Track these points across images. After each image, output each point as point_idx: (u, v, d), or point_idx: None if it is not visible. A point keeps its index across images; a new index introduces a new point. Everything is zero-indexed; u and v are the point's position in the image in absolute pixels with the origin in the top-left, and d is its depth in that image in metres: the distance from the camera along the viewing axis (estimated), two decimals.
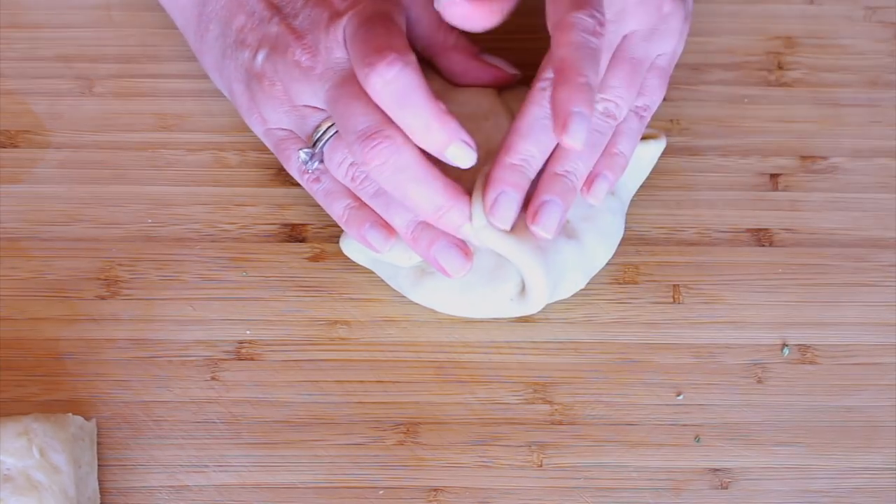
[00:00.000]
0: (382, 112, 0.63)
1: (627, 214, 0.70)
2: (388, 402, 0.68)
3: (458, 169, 0.64)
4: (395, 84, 0.61)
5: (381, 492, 0.66)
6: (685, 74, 0.75)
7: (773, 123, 0.74)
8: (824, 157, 0.73)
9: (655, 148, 0.70)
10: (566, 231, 0.67)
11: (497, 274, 0.67)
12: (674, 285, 0.70)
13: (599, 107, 0.65)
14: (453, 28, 0.69)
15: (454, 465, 0.67)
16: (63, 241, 0.71)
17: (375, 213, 0.66)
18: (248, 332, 0.69)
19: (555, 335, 0.69)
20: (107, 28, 0.75)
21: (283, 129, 0.68)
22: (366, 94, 0.62)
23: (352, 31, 0.64)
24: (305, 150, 0.66)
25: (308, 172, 0.67)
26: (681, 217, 0.72)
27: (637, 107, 0.67)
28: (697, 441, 0.67)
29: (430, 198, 0.63)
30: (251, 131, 0.70)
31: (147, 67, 0.75)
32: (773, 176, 0.73)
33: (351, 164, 0.65)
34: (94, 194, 0.72)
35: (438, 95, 0.63)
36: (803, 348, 0.69)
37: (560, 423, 0.67)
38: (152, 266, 0.70)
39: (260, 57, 0.67)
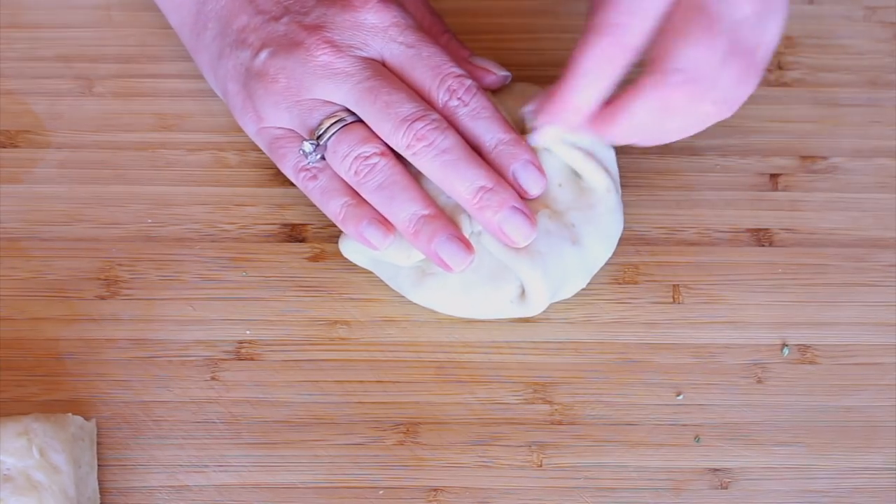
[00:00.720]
0: (426, 102, 0.65)
1: (627, 214, 0.70)
2: (388, 402, 0.68)
3: None
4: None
5: (381, 492, 0.66)
6: None
7: (773, 123, 0.74)
8: (824, 157, 0.73)
9: None
10: (569, 236, 0.67)
11: (498, 274, 0.67)
12: (674, 285, 0.70)
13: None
14: (444, 31, 0.69)
15: (454, 465, 0.67)
16: (63, 241, 0.71)
17: (373, 209, 0.66)
18: (248, 332, 0.69)
19: (555, 335, 0.69)
20: (107, 28, 0.75)
21: (279, 128, 0.68)
22: (409, 87, 0.65)
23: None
24: (309, 141, 0.66)
25: (306, 169, 0.67)
26: (681, 217, 0.72)
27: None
28: (697, 441, 0.67)
29: (473, 178, 0.64)
30: None
31: (147, 67, 0.75)
32: (773, 176, 0.73)
33: (357, 157, 0.65)
34: (94, 194, 0.72)
35: None
36: (803, 348, 0.69)
37: (560, 423, 0.67)
38: (152, 266, 0.70)
39: (263, 55, 0.67)
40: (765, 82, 0.66)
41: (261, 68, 0.67)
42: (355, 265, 0.70)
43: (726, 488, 0.66)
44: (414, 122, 0.64)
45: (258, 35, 0.67)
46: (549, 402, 0.68)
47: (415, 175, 0.66)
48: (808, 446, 0.67)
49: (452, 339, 0.69)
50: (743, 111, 0.65)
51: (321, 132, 0.66)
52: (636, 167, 0.72)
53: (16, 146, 0.73)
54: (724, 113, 0.64)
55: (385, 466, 0.66)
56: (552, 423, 0.67)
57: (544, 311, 0.68)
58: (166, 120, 0.73)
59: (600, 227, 0.68)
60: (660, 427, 0.67)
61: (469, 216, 0.66)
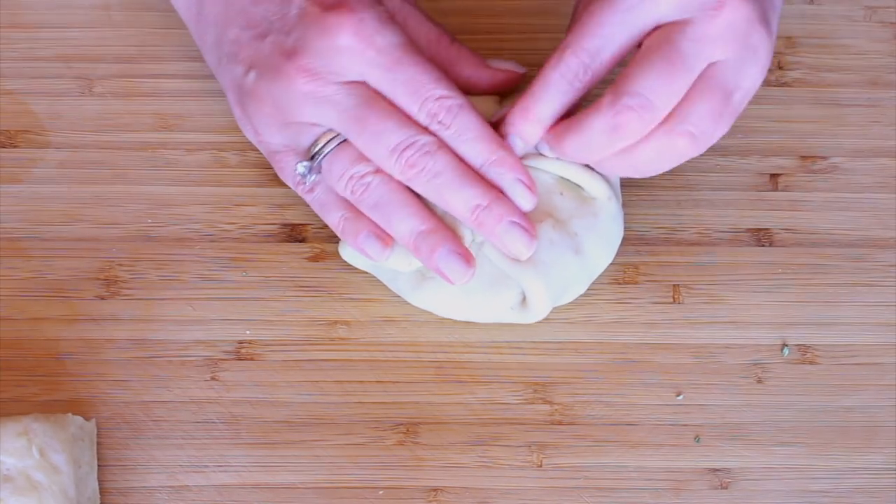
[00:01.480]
0: (416, 124, 0.64)
1: (627, 215, 0.70)
2: (388, 403, 0.68)
3: None
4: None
5: (381, 492, 0.66)
6: None
7: (773, 123, 0.74)
8: (824, 157, 0.73)
9: None
10: (573, 245, 0.67)
11: (499, 281, 0.67)
12: (674, 285, 0.70)
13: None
14: (451, 42, 0.69)
15: (454, 465, 0.67)
16: (63, 241, 0.71)
17: (372, 222, 0.66)
18: (247, 332, 0.69)
19: (555, 335, 0.69)
20: (107, 28, 0.75)
21: (275, 143, 0.67)
22: (397, 109, 0.64)
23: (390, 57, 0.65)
24: (303, 163, 0.66)
25: (303, 184, 0.67)
26: (681, 217, 0.72)
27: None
28: (697, 441, 0.67)
29: (468, 198, 0.64)
30: None
31: (147, 67, 0.75)
32: (773, 176, 0.73)
33: (351, 177, 0.65)
34: (94, 194, 0.72)
35: None
36: (803, 348, 0.69)
37: (560, 423, 0.67)
38: (152, 266, 0.70)
39: (251, 76, 0.66)
40: (765, 82, 0.66)
41: (251, 88, 0.66)
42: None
43: (726, 488, 0.66)
44: (403, 151, 0.64)
45: (247, 53, 0.66)
46: (549, 403, 0.68)
47: None
48: (808, 446, 0.67)
49: (452, 340, 0.69)
50: (743, 111, 0.65)
51: (315, 152, 0.66)
52: None
53: (16, 146, 0.73)
54: (698, 149, 0.64)
55: (385, 466, 0.66)
56: (552, 423, 0.67)
57: None
58: (166, 120, 0.73)
59: (603, 234, 0.68)
60: (660, 427, 0.67)
61: None
